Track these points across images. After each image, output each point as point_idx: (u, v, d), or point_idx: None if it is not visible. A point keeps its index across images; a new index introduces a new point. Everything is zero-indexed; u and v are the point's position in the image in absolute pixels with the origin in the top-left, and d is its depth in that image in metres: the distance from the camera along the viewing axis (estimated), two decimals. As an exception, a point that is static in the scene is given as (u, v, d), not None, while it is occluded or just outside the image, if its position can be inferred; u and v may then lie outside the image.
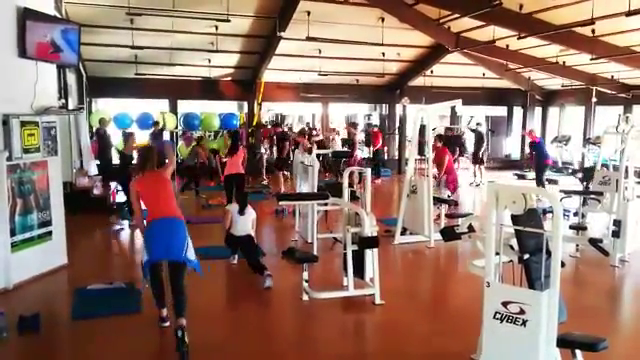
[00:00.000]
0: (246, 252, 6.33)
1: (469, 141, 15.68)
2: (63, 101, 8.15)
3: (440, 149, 9.35)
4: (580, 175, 11.07)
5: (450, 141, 12.26)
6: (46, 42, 6.02)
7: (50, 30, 6.10)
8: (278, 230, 8.92)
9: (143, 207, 4.61)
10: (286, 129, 16.36)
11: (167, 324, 4.61)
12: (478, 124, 15.11)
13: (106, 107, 15.20)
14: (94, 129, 12.62)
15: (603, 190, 7.76)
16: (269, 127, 16.25)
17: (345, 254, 5.37)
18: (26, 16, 5.68)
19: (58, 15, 8.00)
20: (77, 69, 11.45)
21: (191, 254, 4.39)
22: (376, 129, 16.58)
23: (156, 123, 13.15)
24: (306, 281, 5.37)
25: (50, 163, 6.24)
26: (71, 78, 11.02)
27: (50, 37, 6.08)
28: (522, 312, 3.04)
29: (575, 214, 8.39)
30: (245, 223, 6.38)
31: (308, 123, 18.95)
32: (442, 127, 14.51)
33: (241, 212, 6.38)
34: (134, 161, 8.81)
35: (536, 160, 11.91)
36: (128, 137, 9.37)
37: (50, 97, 6.37)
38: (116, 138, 14.21)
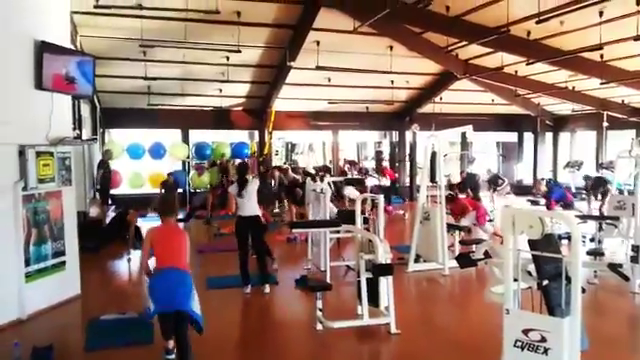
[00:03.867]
0: (253, 233, 6.65)
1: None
2: (77, 132, 8.25)
3: (459, 203, 9.57)
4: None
5: (467, 181, 12.14)
6: (62, 74, 6.12)
7: (66, 62, 6.21)
8: (290, 258, 8.84)
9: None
10: (295, 173, 14.44)
11: (172, 357, 4.49)
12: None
13: (119, 137, 15.36)
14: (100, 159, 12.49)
15: (619, 215, 7.66)
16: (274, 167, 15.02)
17: (359, 282, 5.31)
18: (43, 49, 5.80)
19: (73, 48, 8.17)
20: (91, 100, 11.64)
21: (196, 307, 4.34)
22: (385, 165, 16.61)
23: (169, 175, 13.32)
24: (320, 310, 5.31)
25: (64, 193, 6.29)
26: (85, 109, 11.19)
27: (66, 69, 6.19)
28: (544, 340, 2.98)
29: (592, 240, 8.26)
30: (248, 204, 6.57)
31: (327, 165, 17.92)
32: (453, 152, 14.44)
33: (239, 195, 6.56)
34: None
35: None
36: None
37: (65, 128, 6.45)
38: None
